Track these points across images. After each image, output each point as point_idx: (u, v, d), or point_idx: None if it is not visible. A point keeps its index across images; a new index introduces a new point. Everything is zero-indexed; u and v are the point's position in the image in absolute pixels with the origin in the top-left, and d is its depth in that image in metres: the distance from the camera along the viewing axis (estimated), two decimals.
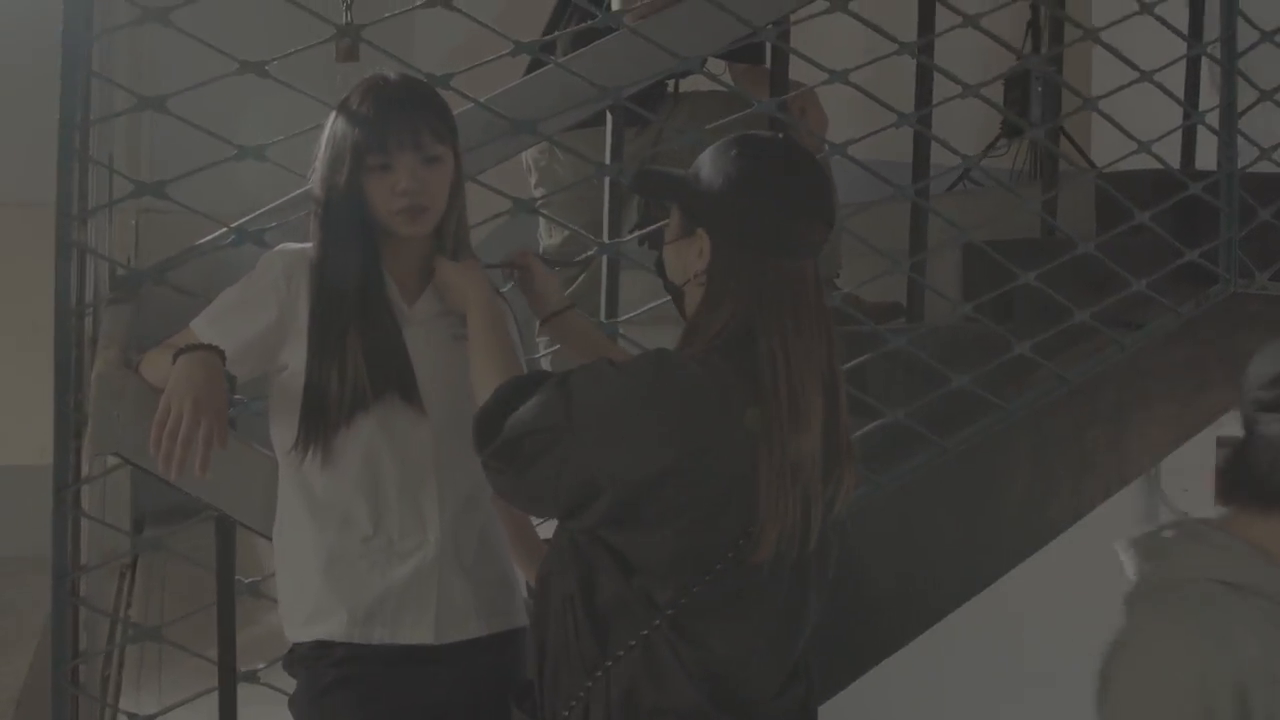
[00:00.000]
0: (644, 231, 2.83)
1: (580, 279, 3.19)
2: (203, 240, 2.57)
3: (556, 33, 3.10)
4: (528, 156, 3.38)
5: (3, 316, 5.64)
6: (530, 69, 3.18)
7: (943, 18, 3.06)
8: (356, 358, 2.18)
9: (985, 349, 3.05)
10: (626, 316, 2.81)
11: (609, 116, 2.84)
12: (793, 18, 2.98)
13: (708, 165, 2.00)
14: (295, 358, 2.22)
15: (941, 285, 3.21)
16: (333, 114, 2.23)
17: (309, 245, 2.25)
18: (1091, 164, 4.44)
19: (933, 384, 2.99)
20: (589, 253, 2.81)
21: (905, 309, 3.16)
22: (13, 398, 4.90)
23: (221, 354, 2.15)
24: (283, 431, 2.24)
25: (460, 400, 2.23)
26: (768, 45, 3.34)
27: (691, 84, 3.47)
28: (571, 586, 1.95)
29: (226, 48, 2.50)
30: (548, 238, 3.45)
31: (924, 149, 3.11)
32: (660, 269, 2.12)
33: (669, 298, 2.68)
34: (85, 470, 2.47)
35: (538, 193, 3.41)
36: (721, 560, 1.91)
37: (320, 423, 2.19)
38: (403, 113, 2.18)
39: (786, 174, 1.97)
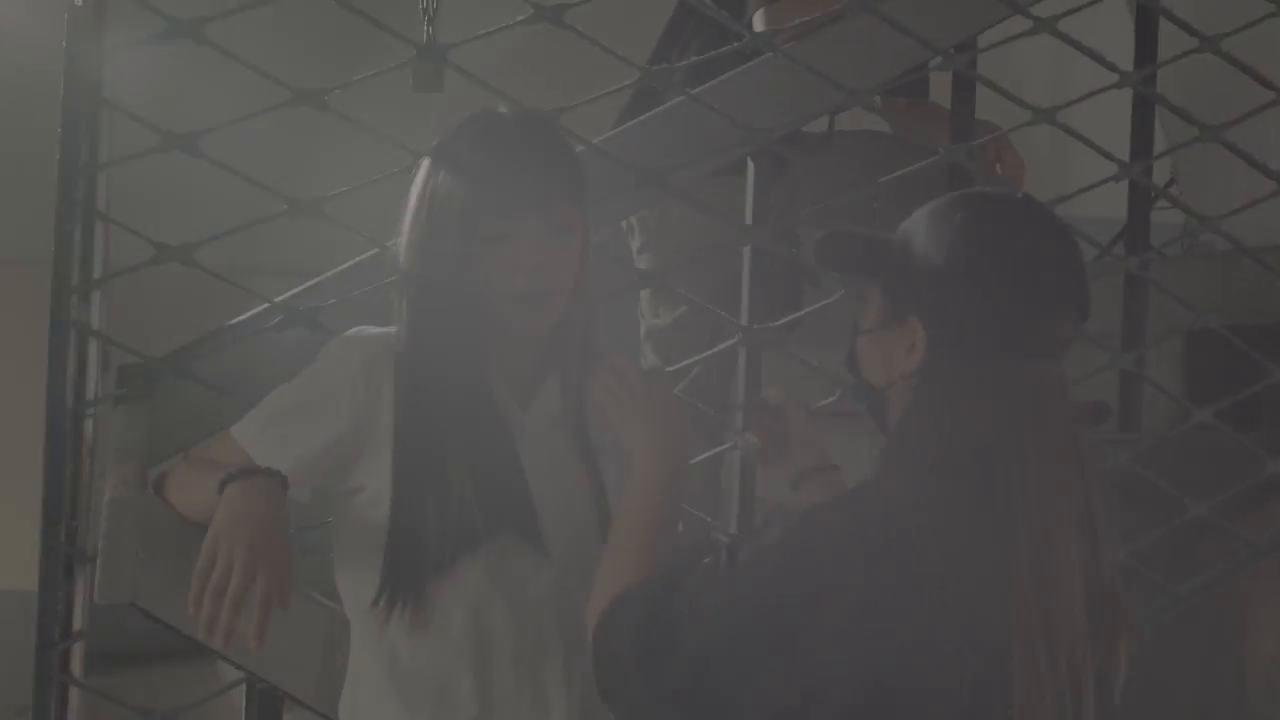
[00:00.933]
0: (802, 313, 2.64)
1: (695, 372, 3.00)
2: (237, 320, 2.39)
3: (686, 59, 2.92)
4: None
5: None
6: (634, 103, 3.02)
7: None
8: (462, 482, 1.99)
9: (1224, 467, 2.87)
10: None
11: (749, 165, 2.67)
12: (982, 40, 2.82)
13: (923, 233, 1.83)
14: (374, 478, 2.03)
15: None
16: (425, 163, 2.05)
17: (390, 331, 2.07)
18: None
19: (1158, 512, 2.81)
20: (731, 341, 2.61)
21: (1114, 412, 2.97)
22: None
23: (285, 481, 1.95)
24: (356, 578, 2.05)
25: (587, 537, 2.07)
26: (930, 76, 3.21)
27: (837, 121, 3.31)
28: None
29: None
30: (652, 316, 3.26)
31: (1143, 207, 2.93)
32: (851, 365, 1.95)
33: (836, 399, 2.56)
34: (78, 621, 2.27)
35: (642, 259, 3.23)
36: None
37: (412, 569, 1.99)
38: (530, 167, 2.01)
39: (1031, 249, 1.80)
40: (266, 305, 2.38)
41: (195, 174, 2.40)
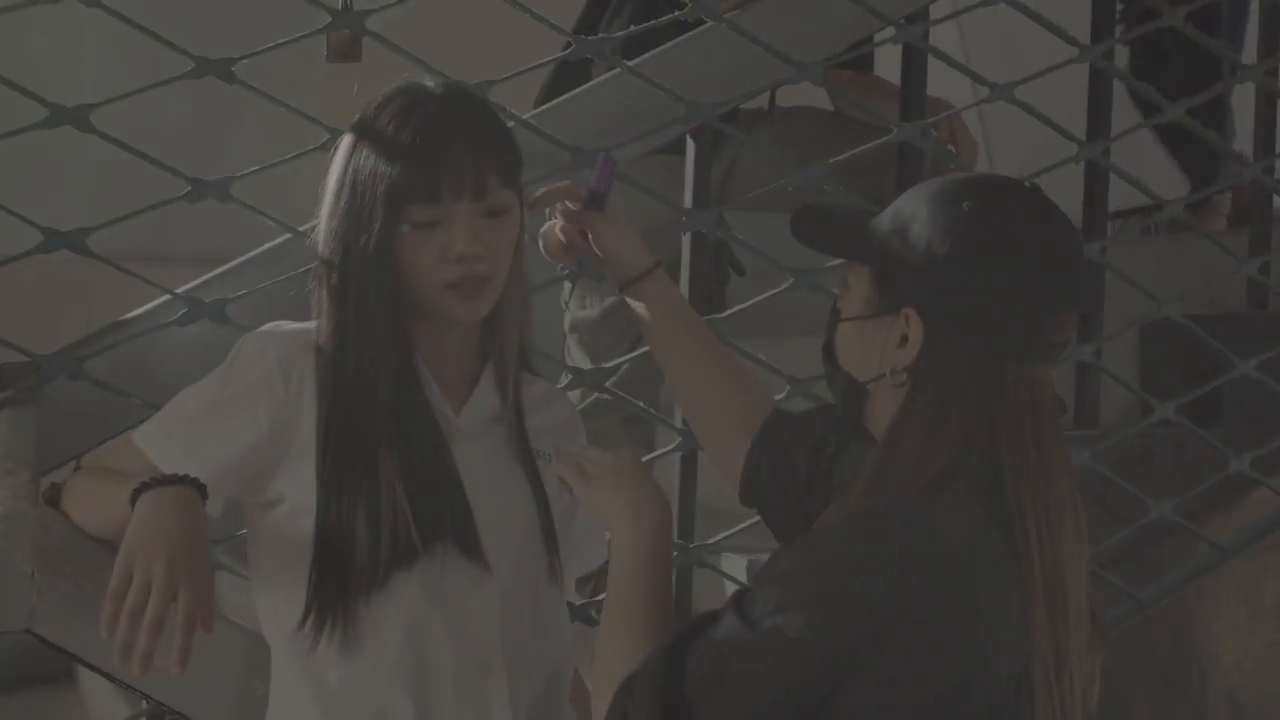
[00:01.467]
0: (750, 303, 2.51)
1: (624, 369, 2.87)
2: (134, 313, 2.23)
3: (616, 27, 2.79)
4: None
5: None
6: (556, 77, 2.90)
7: None
8: (394, 490, 1.86)
9: (1185, 465, 2.81)
10: None
11: (689, 143, 2.55)
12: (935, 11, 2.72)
13: (924, 217, 1.71)
14: (296, 488, 1.89)
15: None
16: (346, 140, 1.91)
17: (310, 326, 1.93)
18: None
19: (1117, 513, 2.74)
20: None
21: (1068, 408, 2.89)
22: None
23: (204, 490, 1.81)
24: (278, 599, 1.91)
25: (529, 548, 1.96)
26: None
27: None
28: None
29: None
30: (579, 308, 3.13)
31: (1100, 191, 2.85)
32: (828, 355, 1.82)
33: (784, 395, 2.45)
34: None
35: None
36: None
37: (341, 587, 1.86)
38: (462, 145, 1.87)
39: (1041, 243, 1.70)
40: (168, 296, 2.22)
41: (86, 154, 2.23)
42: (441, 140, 1.87)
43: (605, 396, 2.69)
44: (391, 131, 1.87)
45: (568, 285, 3.13)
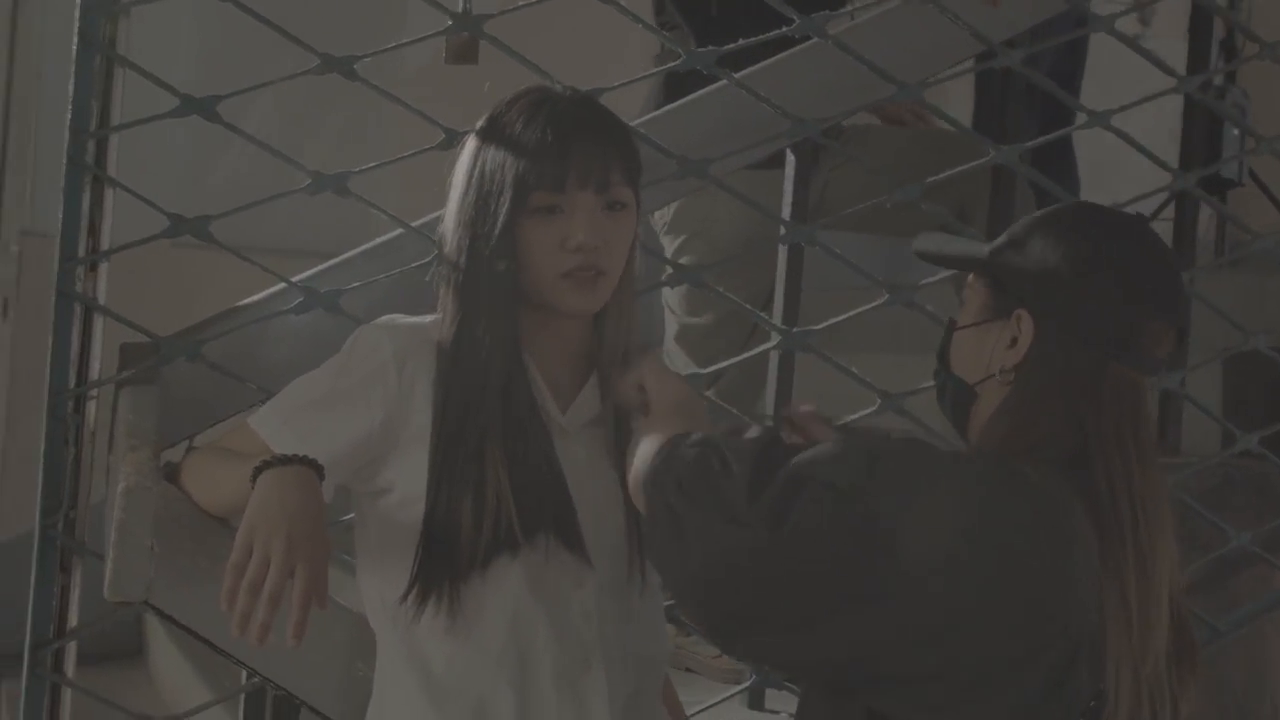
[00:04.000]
0: (843, 317, 2.59)
1: (724, 378, 2.96)
2: (249, 300, 2.33)
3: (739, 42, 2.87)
4: (665, 210, 3.17)
5: None
6: (671, 88, 2.97)
7: None
8: (499, 480, 1.94)
9: (1265, 496, 2.87)
10: None
11: (789, 157, 2.64)
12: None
13: (1039, 232, 1.89)
14: (406, 478, 1.97)
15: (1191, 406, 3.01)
16: (471, 138, 2.01)
17: (424, 321, 2.02)
18: None
19: (1195, 542, 2.79)
20: (770, 344, 2.57)
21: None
22: None
23: (321, 471, 1.90)
24: (385, 577, 1.99)
25: (619, 547, 2.02)
26: None
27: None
28: None
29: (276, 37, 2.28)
30: (690, 315, 3.21)
31: (1189, 220, 2.93)
32: (942, 364, 1.97)
33: (875, 410, 2.53)
34: (73, 618, 2.21)
35: (683, 260, 3.16)
36: None
37: (445, 567, 1.93)
38: (589, 137, 1.96)
39: (1144, 260, 1.87)
40: (283, 285, 2.31)
41: (205, 145, 2.33)
42: (570, 131, 1.95)
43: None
44: (521, 124, 1.96)
45: (677, 292, 3.21)
